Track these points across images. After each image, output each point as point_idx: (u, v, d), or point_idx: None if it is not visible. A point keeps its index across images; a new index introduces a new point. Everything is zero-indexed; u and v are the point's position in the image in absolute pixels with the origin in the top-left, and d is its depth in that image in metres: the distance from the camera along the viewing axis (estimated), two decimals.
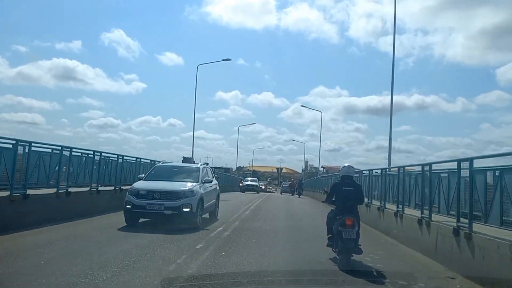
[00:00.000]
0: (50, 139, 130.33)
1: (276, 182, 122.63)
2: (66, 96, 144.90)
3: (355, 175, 8.83)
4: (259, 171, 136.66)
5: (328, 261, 7.47)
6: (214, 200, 12.98)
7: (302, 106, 60.57)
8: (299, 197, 37.30)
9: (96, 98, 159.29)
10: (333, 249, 7.64)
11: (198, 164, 13.54)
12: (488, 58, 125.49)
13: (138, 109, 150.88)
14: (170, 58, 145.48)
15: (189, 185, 11.09)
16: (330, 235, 7.85)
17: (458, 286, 6.19)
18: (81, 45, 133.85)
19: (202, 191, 11.34)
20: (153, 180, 11.45)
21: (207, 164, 14.80)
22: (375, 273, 6.70)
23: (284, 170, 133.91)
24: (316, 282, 6.14)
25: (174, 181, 11.37)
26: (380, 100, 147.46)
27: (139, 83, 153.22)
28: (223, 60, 35.63)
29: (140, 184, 11.19)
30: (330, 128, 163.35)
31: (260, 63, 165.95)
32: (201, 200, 11.06)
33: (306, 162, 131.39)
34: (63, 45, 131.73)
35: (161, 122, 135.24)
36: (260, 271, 6.55)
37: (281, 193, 48.56)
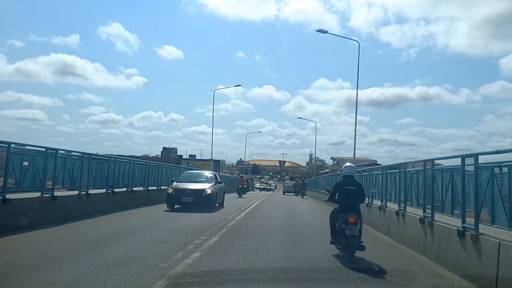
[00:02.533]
0: (52, 135, 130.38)
1: (279, 176, 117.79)
2: (66, 92, 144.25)
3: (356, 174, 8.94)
4: (260, 165, 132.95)
5: (328, 258, 7.57)
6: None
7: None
8: (302, 197, 35.27)
9: (96, 93, 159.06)
10: (337, 246, 7.89)
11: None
12: (491, 48, 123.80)
13: (139, 104, 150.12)
14: (169, 51, 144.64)
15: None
16: (332, 232, 8.07)
17: (456, 283, 6.11)
18: (79, 39, 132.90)
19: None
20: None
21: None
22: (374, 271, 6.70)
23: (287, 164, 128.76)
24: (315, 279, 6.14)
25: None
26: (382, 92, 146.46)
27: (140, 77, 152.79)
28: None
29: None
30: (333, 122, 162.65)
31: (259, 55, 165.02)
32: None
33: (311, 154, 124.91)
34: (60, 40, 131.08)
35: (163, 117, 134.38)
36: (259, 268, 6.56)
37: (283, 193, 45.14)
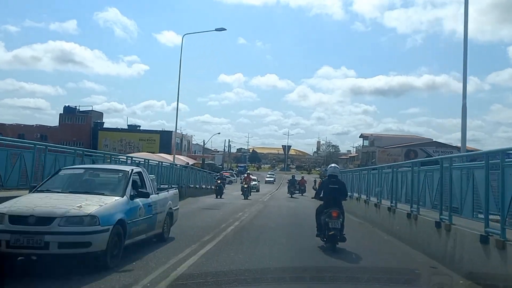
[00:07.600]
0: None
1: (282, 165, 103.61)
2: (67, 80, 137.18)
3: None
4: (262, 153, 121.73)
5: (332, 258, 7.65)
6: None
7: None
8: (291, 196, 29.30)
9: (97, 81, 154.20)
10: (321, 238, 8.69)
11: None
12: (501, 34, 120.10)
13: (141, 92, 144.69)
14: (169, 37, 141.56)
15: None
16: (318, 226, 8.87)
17: (461, 282, 6.06)
18: (76, 25, 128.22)
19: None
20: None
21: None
22: (379, 270, 6.77)
23: (292, 152, 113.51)
24: (320, 279, 6.08)
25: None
26: (387, 80, 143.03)
27: (141, 64, 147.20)
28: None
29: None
30: (337, 111, 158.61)
31: (260, 42, 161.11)
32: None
33: (319, 142, 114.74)
34: (57, 26, 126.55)
35: (166, 106, 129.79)
36: (263, 268, 6.51)
37: (288, 192, 33.35)
